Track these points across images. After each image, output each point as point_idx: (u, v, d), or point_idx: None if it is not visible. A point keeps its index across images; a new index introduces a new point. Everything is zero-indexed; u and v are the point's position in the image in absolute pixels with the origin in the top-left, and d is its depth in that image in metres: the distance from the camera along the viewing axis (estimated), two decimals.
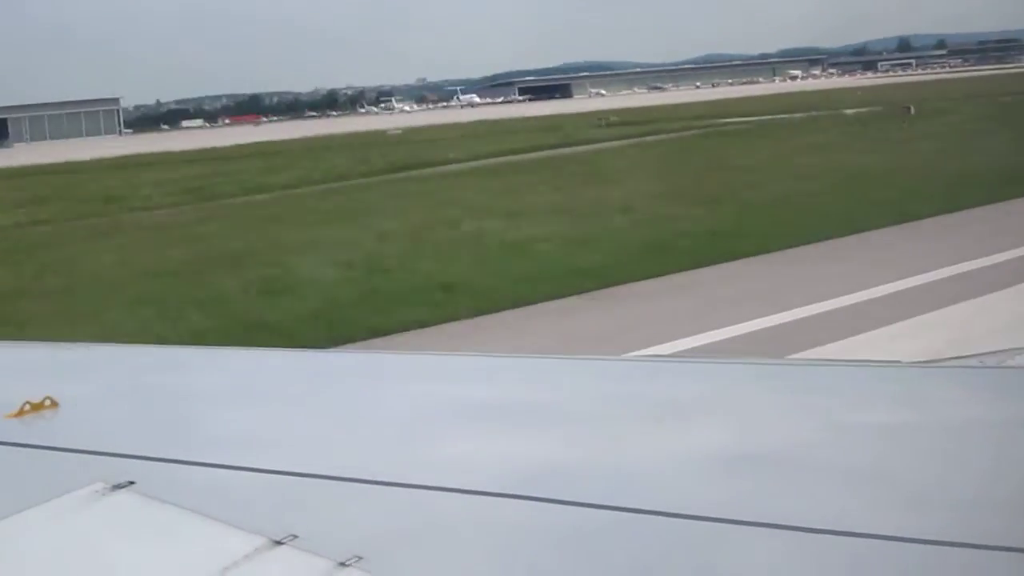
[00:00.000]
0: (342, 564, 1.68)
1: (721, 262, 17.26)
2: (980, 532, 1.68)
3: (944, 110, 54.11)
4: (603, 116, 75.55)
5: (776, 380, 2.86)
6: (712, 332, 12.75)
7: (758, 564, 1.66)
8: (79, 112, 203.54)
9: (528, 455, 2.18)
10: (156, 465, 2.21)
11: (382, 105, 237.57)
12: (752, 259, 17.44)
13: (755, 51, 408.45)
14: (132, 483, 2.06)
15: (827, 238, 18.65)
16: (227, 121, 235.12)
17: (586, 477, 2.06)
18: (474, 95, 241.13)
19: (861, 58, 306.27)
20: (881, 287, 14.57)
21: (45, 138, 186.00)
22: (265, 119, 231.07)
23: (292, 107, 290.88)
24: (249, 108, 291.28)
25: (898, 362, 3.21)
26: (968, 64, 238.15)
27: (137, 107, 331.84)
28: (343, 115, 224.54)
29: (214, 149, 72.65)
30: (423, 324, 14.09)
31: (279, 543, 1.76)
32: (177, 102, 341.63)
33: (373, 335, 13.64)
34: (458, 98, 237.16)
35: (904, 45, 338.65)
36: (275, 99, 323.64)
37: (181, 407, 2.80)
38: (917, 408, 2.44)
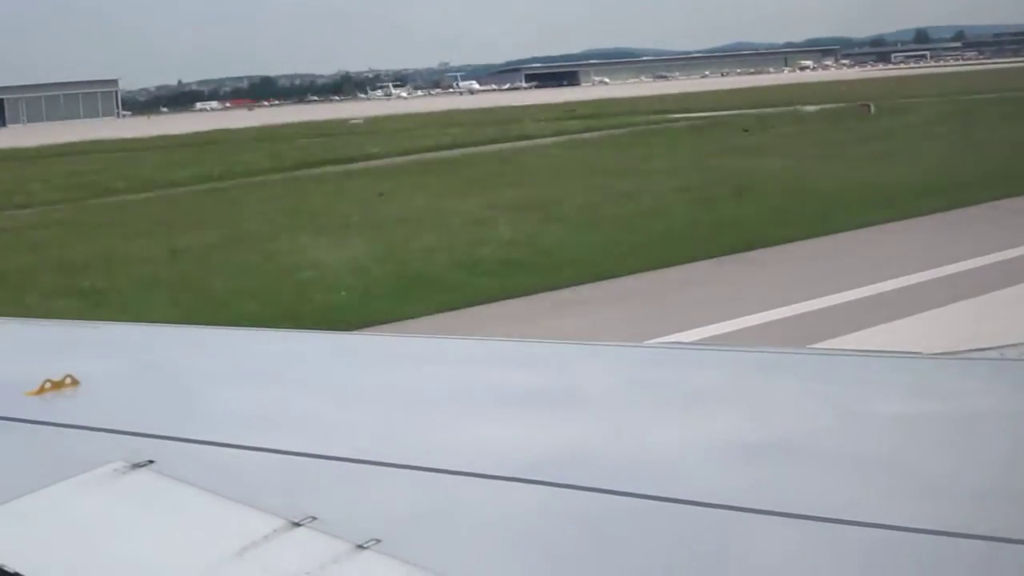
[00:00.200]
0: (360, 546, 1.68)
1: (479, 303, 14.58)
2: (997, 524, 1.69)
3: (907, 109, 51.06)
4: (571, 108, 73.69)
5: (794, 369, 2.84)
6: None
7: (774, 552, 1.66)
8: (76, 94, 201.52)
9: (546, 440, 2.17)
10: (175, 444, 2.21)
11: (380, 91, 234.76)
12: (517, 300, 14.72)
13: (782, 40, 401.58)
14: (151, 462, 2.05)
15: (609, 276, 15.82)
16: (228, 105, 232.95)
17: (603, 463, 2.04)
18: (474, 82, 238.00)
19: (875, 49, 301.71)
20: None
21: (42, 119, 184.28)
22: (267, 103, 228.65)
23: (306, 90, 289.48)
24: (263, 91, 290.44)
25: (918, 353, 2.96)
26: (983, 57, 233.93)
27: (160, 87, 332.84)
28: (344, 100, 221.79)
29: (163, 137, 70.29)
30: None
31: (298, 524, 1.76)
32: (199, 83, 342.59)
33: None
34: (457, 85, 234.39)
35: (922, 36, 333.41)
36: (296, 81, 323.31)
37: (201, 387, 2.81)
38: (935, 399, 2.44)
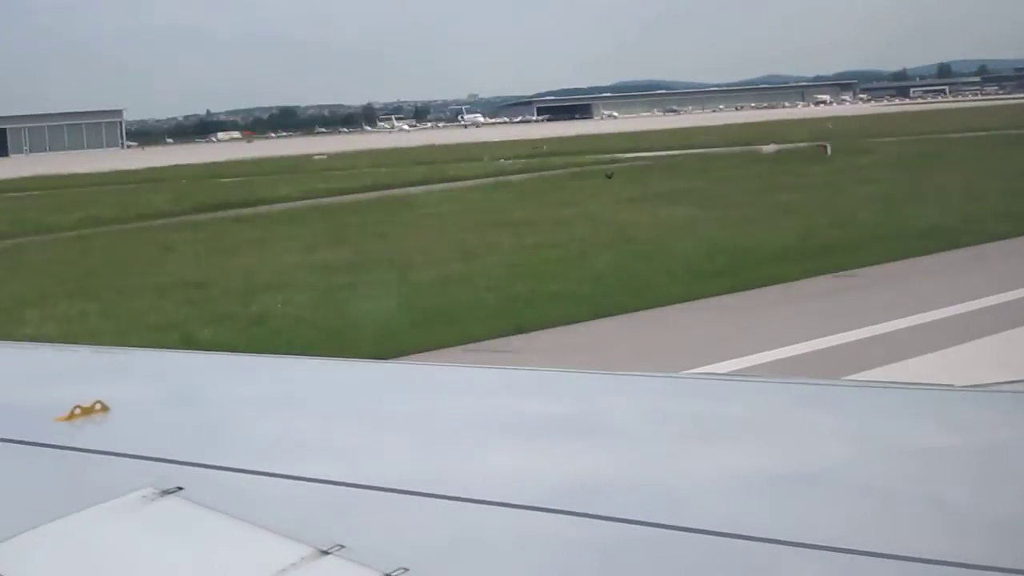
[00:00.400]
0: (388, 575, 1.67)
1: None
2: None
3: (868, 150, 47.92)
4: (538, 145, 71.51)
5: (822, 400, 2.79)
6: None
7: None
8: (80, 124, 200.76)
9: (573, 470, 2.15)
10: (204, 471, 2.19)
11: (382, 124, 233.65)
12: None
13: (812, 73, 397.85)
14: (180, 489, 2.04)
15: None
16: (235, 136, 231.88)
17: (630, 493, 2.04)
18: (479, 115, 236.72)
19: (894, 84, 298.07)
20: None
21: (45, 149, 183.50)
22: (273, 135, 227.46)
23: (326, 122, 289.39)
24: (281, 122, 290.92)
25: (950, 386, 2.96)
26: (1003, 92, 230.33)
27: (187, 116, 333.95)
28: (351, 132, 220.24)
29: (114, 173, 68.14)
30: None
31: (326, 552, 1.75)
32: (228, 112, 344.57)
33: None
34: (462, 118, 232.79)
35: (944, 71, 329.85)
36: (326, 112, 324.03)
37: (230, 414, 2.79)
38: (967, 432, 2.41)
